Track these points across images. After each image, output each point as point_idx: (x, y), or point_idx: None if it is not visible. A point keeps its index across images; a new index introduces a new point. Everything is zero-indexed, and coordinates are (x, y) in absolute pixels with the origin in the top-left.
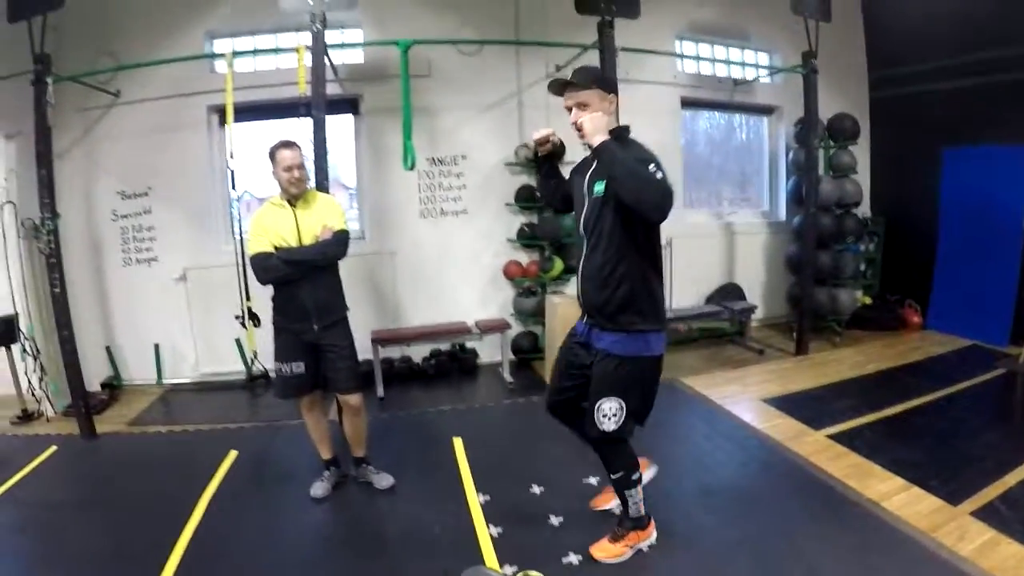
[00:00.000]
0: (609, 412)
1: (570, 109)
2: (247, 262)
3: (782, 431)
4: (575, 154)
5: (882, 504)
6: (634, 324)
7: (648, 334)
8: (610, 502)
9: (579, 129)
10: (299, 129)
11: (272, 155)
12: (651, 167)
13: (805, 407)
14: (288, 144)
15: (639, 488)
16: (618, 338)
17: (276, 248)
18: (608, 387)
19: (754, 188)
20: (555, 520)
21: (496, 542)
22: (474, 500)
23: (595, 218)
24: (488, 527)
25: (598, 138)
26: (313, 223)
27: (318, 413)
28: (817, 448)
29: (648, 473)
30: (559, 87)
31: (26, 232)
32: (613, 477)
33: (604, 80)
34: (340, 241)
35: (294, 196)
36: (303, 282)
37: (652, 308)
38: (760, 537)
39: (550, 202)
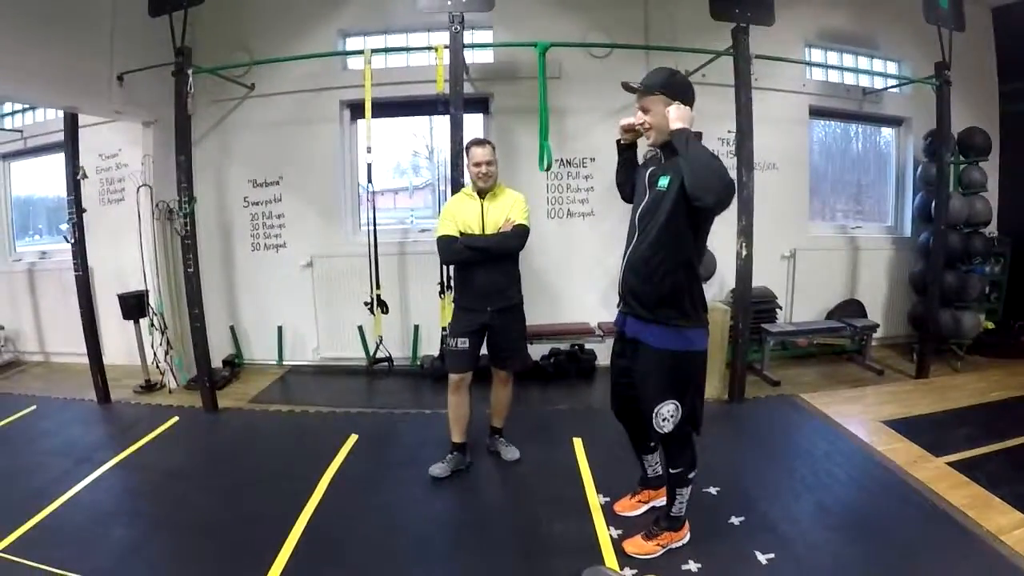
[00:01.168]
0: (667, 415)
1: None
2: (377, 251)
3: (902, 455)
4: None
5: (1001, 537)
6: (673, 319)
7: (687, 330)
8: (637, 507)
9: (646, 131)
10: (428, 126)
11: (467, 150)
12: (715, 161)
13: (925, 432)
14: (481, 142)
15: (689, 488)
16: (657, 331)
17: (461, 234)
18: (660, 389)
19: (875, 202)
20: None
21: (616, 544)
22: (594, 501)
23: (653, 210)
24: (608, 528)
25: (678, 125)
26: (498, 215)
27: (464, 395)
28: (937, 475)
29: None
30: (629, 89)
31: (160, 214)
32: (672, 471)
33: (669, 85)
34: (518, 234)
35: (482, 189)
36: (482, 267)
37: (692, 305)
38: (877, 560)
39: (622, 190)
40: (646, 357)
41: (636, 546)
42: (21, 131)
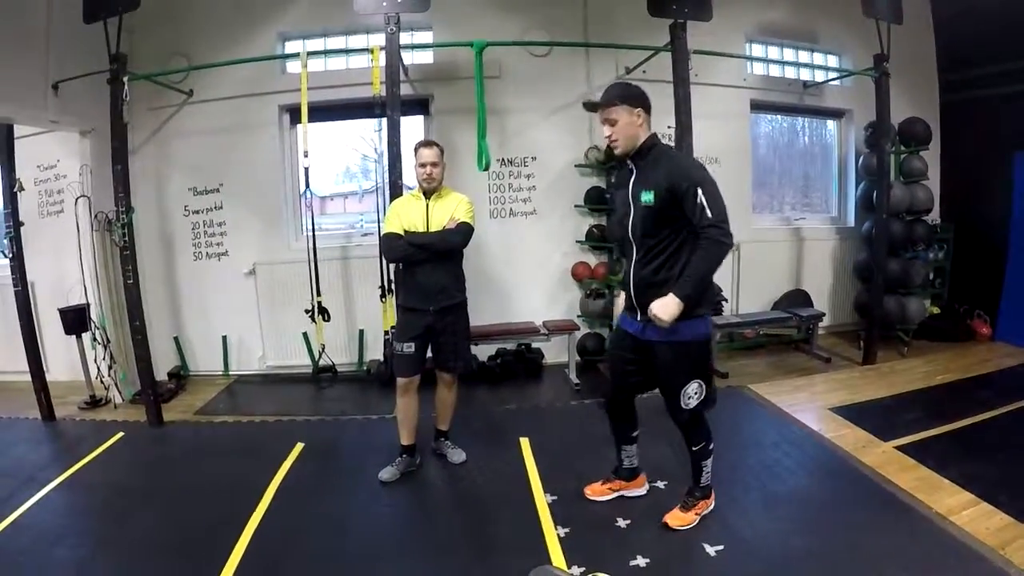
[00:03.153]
0: (693, 393)
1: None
2: (316, 257)
3: (850, 441)
4: None
5: (951, 518)
6: (689, 312)
7: (699, 319)
8: (607, 493)
9: (613, 143)
10: (365, 129)
11: (414, 151)
12: (699, 195)
13: (873, 417)
14: (428, 143)
15: (711, 458)
16: (681, 325)
17: (406, 232)
18: (687, 372)
19: (819, 193)
20: (623, 522)
21: (563, 542)
22: (541, 500)
23: (645, 226)
24: (556, 527)
25: (675, 311)
26: (443, 216)
27: (413, 397)
28: (885, 459)
29: (640, 491)
30: (591, 106)
31: (99, 225)
32: (694, 449)
33: (629, 97)
34: (462, 231)
35: (427, 190)
36: (425, 266)
37: (706, 294)
38: (828, 547)
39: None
40: (671, 351)
41: (677, 519)
42: None
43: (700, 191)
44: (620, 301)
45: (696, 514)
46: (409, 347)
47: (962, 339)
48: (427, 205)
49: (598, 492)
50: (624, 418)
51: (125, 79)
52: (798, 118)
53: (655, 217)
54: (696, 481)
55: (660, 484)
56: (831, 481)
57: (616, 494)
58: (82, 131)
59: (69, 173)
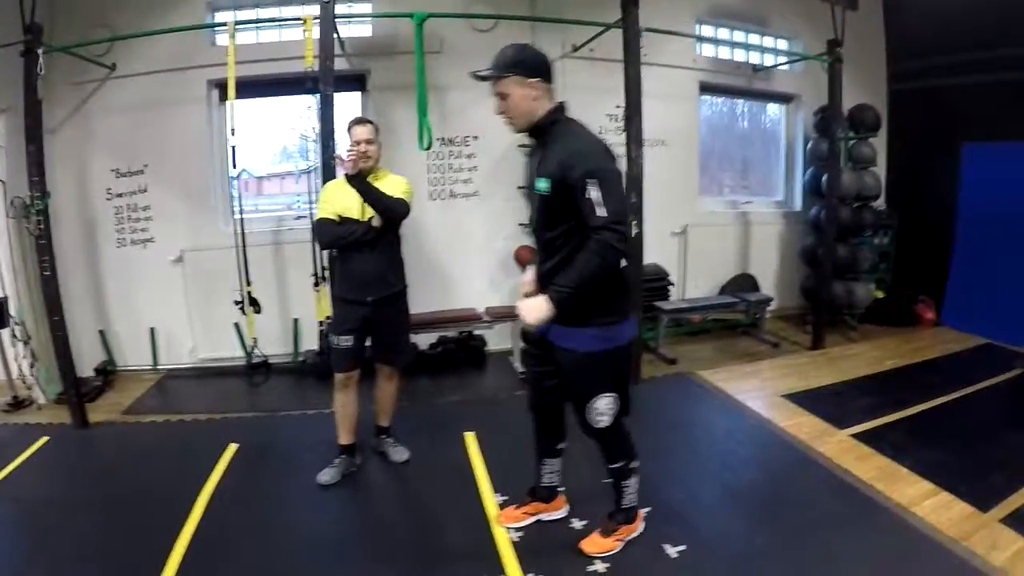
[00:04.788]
0: (604, 408)
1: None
2: (245, 244)
3: (805, 430)
4: None
5: (911, 509)
6: (598, 318)
7: (610, 328)
8: (522, 519)
9: (507, 121)
10: (303, 105)
11: (348, 130)
12: (593, 192)
13: (826, 404)
14: (361, 121)
15: (636, 479)
16: (588, 334)
17: (340, 218)
18: (594, 385)
19: (765, 177)
20: (578, 524)
21: (516, 546)
22: (491, 501)
23: (541, 220)
24: (508, 531)
25: (544, 316)
26: None
27: (352, 393)
28: (842, 448)
29: (559, 514)
30: (480, 78)
31: (15, 212)
32: (611, 467)
33: (520, 64)
34: (400, 202)
35: (363, 171)
36: (361, 253)
37: (615, 301)
38: (789, 543)
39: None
40: (573, 360)
41: (595, 545)
42: None
43: (594, 183)
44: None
45: (617, 540)
46: (347, 340)
47: (907, 323)
48: None
49: (512, 518)
50: (548, 426)
51: (40, 51)
52: (743, 102)
53: (550, 209)
54: (617, 503)
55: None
56: (789, 473)
57: (532, 519)
58: None
59: None
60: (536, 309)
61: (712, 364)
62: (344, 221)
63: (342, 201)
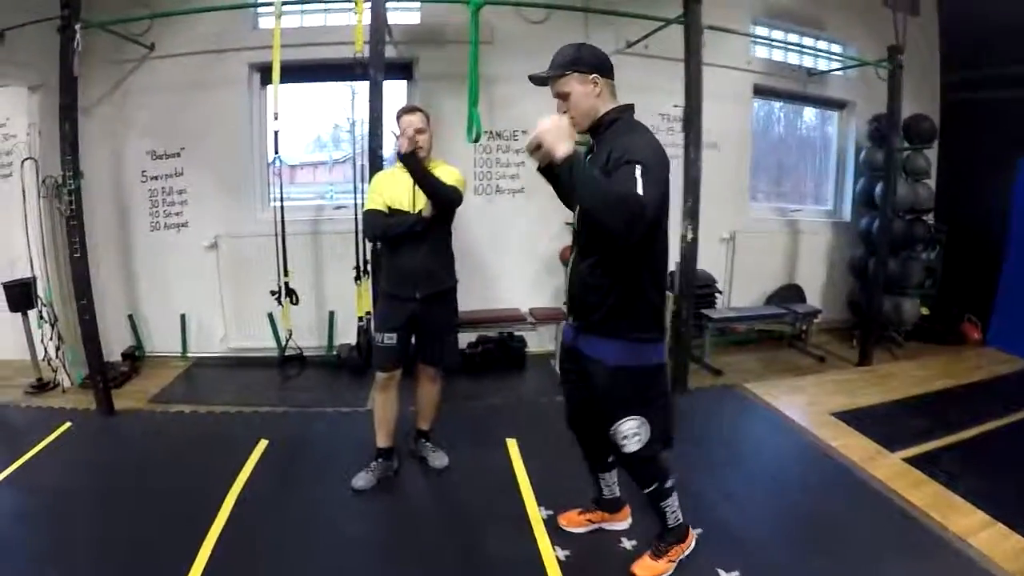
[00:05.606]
0: (629, 433)
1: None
2: (284, 232)
3: (856, 451)
4: None
5: (968, 540)
6: (628, 332)
7: (647, 344)
8: (584, 525)
9: (571, 121)
10: (342, 93)
11: (397, 119)
12: (636, 170)
13: (877, 424)
14: (411, 109)
15: (674, 496)
16: (611, 346)
17: (390, 210)
18: (617, 405)
19: (815, 185)
20: (628, 543)
21: (564, 567)
22: (535, 514)
23: (585, 218)
24: (554, 549)
25: (561, 149)
26: None
27: (393, 394)
28: (894, 472)
29: (623, 524)
30: (539, 81)
31: (48, 191)
32: (646, 491)
33: (579, 61)
34: (453, 189)
35: (416, 153)
36: (409, 247)
37: (647, 317)
38: (844, 571)
39: (569, 204)
40: (601, 374)
41: (647, 568)
42: None
43: (639, 167)
44: None
45: (670, 560)
46: (390, 338)
47: (953, 342)
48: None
49: (574, 523)
50: (591, 442)
51: (77, 27)
52: (797, 107)
53: None
54: (663, 524)
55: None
56: (842, 497)
57: (594, 526)
58: (31, 86)
59: (19, 133)
60: (560, 132)
61: (758, 377)
62: (393, 213)
63: (392, 192)
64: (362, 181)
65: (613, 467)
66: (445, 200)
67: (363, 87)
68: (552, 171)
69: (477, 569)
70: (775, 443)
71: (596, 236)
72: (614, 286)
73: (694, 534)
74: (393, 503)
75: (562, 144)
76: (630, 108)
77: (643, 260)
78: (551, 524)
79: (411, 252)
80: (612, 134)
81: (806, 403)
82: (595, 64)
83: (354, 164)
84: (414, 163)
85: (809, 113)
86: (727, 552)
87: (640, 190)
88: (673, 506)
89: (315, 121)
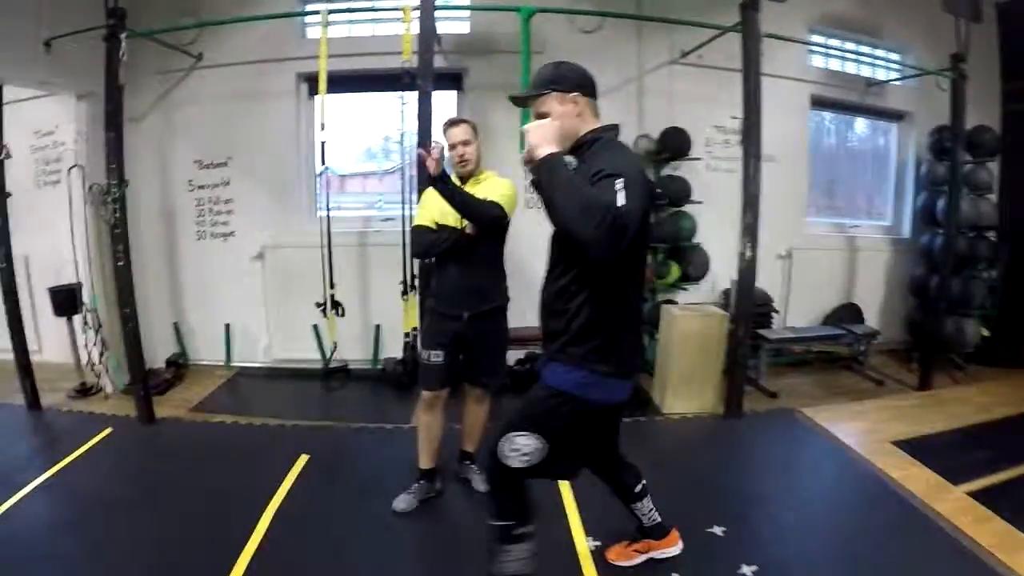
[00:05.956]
0: (524, 449)
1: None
2: (331, 244)
3: (919, 484)
4: None
5: None
6: (584, 359)
7: (594, 376)
8: (632, 557)
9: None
10: (391, 103)
11: (444, 132)
12: (617, 182)
13: (939, 455)
14: (456, 122)
15: (524, 545)
16: (560, 369)
17: (438, 225)
18: (528, 419)
19: (873, 200)
20: None
21: None
22: (582, 545)
23: (560, 236)
24: None
25: (543, 150)
26: None
27: (439, 414)
28: (958, 508)
29: (673, 550)
30: (519, 101)
31: (94, 198)
32: (494, 523)
33: (559, 80)
34: (492, 204)
35: (461, 175)
36: (457, 264)
37: (611, 349)
38: None
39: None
40: (539, 388)
41: None
42: None
43: (620, 180)
44: None
45: None
46: (437, 356)
47: (1016, 365)
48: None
49: (622, 556)
50: (607, 472)
51: (123, 36)
52: (848, 118)
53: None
54: (490, 565)
55: (718, 531)
56: (906, 534)
57: (644, 556)
58: (79, 94)
59: (67, 141)
60: (545, 133)
61: (814, 401)
62: (441, 229)
63: (440, 207)
64: (410, 192)
65: (644, 495)
66: (483, 219)
67: (412, 97)
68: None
69: None
70: (833, 473)
71: (568, 256)
72: (579, 313)
73: None
74: (434, 527)
75: (546, 145)
76: (613, 128)
77: (615, 288)
78: (598, 556)
79: (459, 269)
80: (593, 154)
81: (865, 430)
82: (576, 83)
83: (402, 175)
84: (441, 186)
85: (861, 124)
86: None
87: (622, 200)
88: (515, 556)
89: (365, 131)
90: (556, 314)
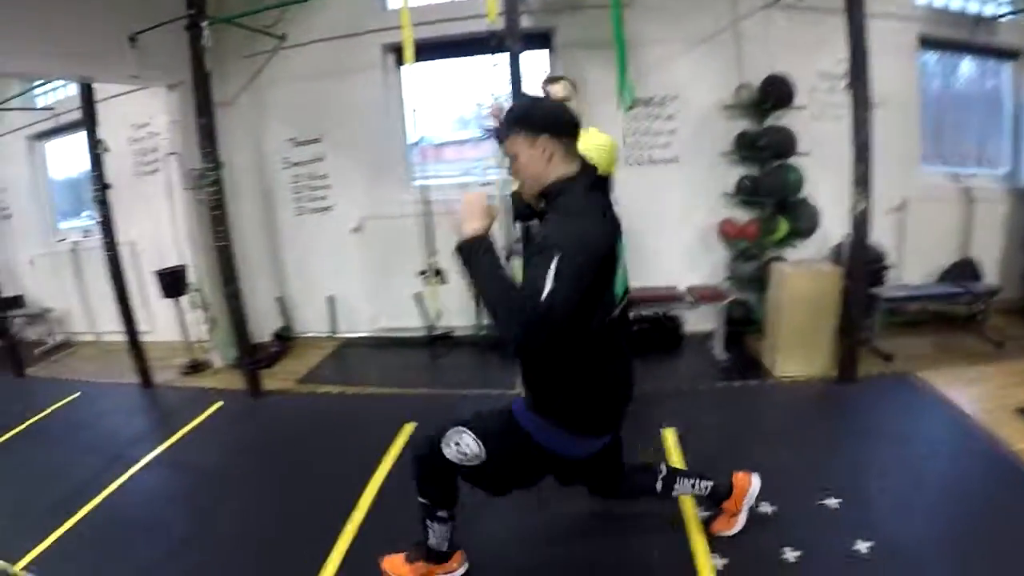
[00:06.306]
0: (465, 449)
1: None
2: (430, 213)
3: None
4: None
5: None
6: (547, 412)
7: (561, 431)
8: (731, 526)
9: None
10: (481, 68)
11: (542, 90)
12: (552, 261)
13: None
14: (555, 79)
15: (445, 527)
16: (531, 415)
17: None
18: (484, 428)
19: (987, 146)
20: (791, 555)
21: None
22: (692, 516)
23: None
24: (712, 556)
25: (467, 229)
26: None
27: None
28: None
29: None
30: (484, 137)
31: (191, 183)
32: (419, 499)
33: (525, 120)
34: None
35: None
36: None
37: (574, 412)
38: None
39: None
40: (503, 411)
41: (393, 566)
42: (52, 108)
43: (556, 257)
44: None
45: (416, 573)
46: None
47: None
48: None
49: (721, 526)
50: (629, 489)
51: (204, 24)
52: (953, 59)
53: None
54: (423, 538)
55: (832, 502)
56: None
57: (740, 516)
58: (169, 85)
59: (162, 130)
60: (473, 209)
61: (931, 364)
62: None
63: None
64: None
65: (671, 483)
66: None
67: (501, 60)
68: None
69: (625, 571)
70: (954, 444)
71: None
72: (543, 373)
73: (459, 562)
74: (540, 493)
75: (471, 223)
76: (580, 178)
77: (579, 353)
78: (708, 524)
79: None
80: (552, 210)
81: (986, 396)
82: (544, 124)
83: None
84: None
85: (966, 65)
86: (899, 571)
87: (547, 289)
88: (439, 533)
89: (455, 99)
90: (527, 366)
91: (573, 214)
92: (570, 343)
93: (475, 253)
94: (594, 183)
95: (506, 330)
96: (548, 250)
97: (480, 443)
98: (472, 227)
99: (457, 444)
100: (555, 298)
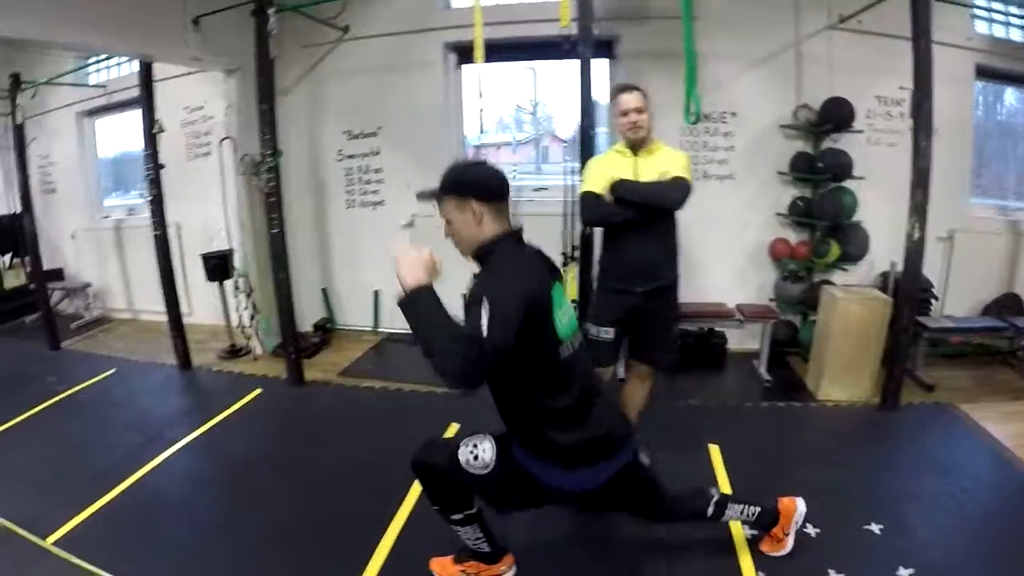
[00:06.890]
0: (481, 454)
1: None
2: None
3: None
4: None
5: None
6: (529, 446)
7: (548, 464)
8: (778, 548)
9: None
10: (526, 73)
11: (612, 98)
12: (483, 308)
13: None
14: (628, 87)
15: (470, 528)
16: (524, 451)
17: (615, 181)
18: (505, 447)
19: (1013, 178)
20: (833, 574)
21: None
22: (738, 532)
23: None
24: (758, 574)
25: (409, 282)
26: (653, 173)
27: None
28: None
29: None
30: (423, 198)
31: (245, 168)
32: (432, 508)
33: (454, 184)
34: (680, 186)
35: (634, 142)
36: (632, 237)
37: (548, 447)
38: None
39: None
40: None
41: (440, 565)
42: (104, 87)
43: (485, 302)
44: None
45: (463, 571)
46: (608, 333)
47: None
48: (635, 161)
49: (770, 546)
50: (661, 512)
51: (271, 11)
52: (998, 89)
53: None
54: (464, 543)
55: (875, 528)
56: None
57: (789, 535)
58: (227, 70)
59: (217, 114)
60: (415, 264)
61: (971, 396)
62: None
63: (613, 175)
64: (540, 162)
65: (722, 509)
66: (676, 203)
67: (547, 67)
68: None
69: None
70: (994, 479)
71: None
72: (513, 413)
73: (508, 562)
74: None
75: (412, 277)
76: (507, 237)
77: (534, 400)
78: (754, 545)
79: (633, 242)
80: (484, 269)
81: None
82: (473, 189)
83: (537, 145)
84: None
85: (1010, 96)
86: None
87: (483, 328)
88: (468, 535)
89: (499, 102)
90: (496, 405)
91: (502, 270)
92: (518, 381)
93: (415, 304)
94: (518, 239)
95: (443, 368)
96: (479, 303)
97: (496, 457)
98: (413, 280)
99: (475, 446)
100: (490, 340)
